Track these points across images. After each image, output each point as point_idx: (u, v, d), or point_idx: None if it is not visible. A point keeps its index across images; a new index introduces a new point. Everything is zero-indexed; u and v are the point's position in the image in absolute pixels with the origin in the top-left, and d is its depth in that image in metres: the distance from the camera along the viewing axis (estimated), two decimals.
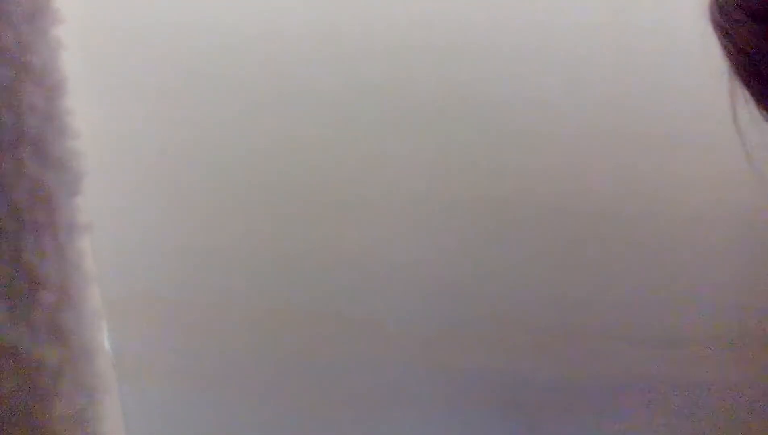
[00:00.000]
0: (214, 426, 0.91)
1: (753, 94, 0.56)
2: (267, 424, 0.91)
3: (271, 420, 0.91)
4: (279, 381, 0.90)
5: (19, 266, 0.52)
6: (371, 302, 0.88)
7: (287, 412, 0.90)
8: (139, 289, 0.90)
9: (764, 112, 0.56)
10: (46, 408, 0.53)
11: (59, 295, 0.55)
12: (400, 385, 0.89)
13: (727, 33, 0.55)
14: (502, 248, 0.86)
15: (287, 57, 0.84)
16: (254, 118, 0.86)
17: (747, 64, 0.55)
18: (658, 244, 0.85)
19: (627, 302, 0.85)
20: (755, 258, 0.84)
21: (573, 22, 0.81)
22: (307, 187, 0.86)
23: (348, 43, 0.83)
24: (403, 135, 0.85)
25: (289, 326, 0.89)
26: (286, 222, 0.87)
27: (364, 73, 0.84)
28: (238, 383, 0.90)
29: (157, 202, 0.88)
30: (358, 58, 0.84)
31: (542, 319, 0.87)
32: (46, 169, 0.55)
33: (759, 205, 0.80)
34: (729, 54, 0.56)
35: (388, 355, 0.89)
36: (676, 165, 0.83)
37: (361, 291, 0.88)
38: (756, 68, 0.55)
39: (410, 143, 0.85)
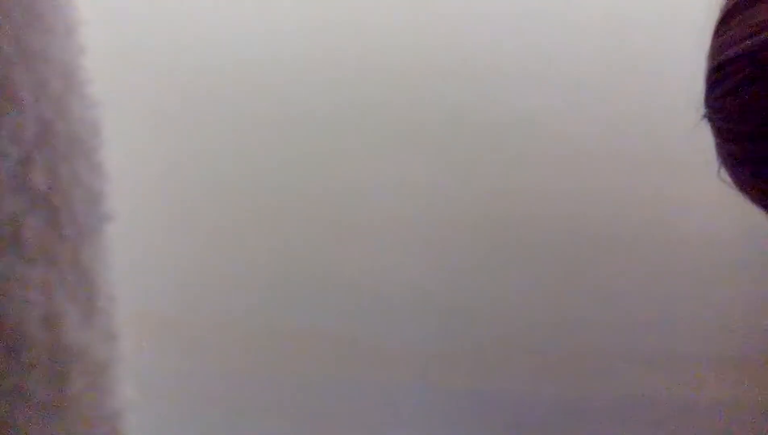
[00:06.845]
0: None
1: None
2: None
3: None
4: (280, 399, 0.90)
5: (80, 271, 0.55)
6: (372, 323, 0.88)
7: (289, 430, 0.90)
8: (139, 307, 0.88)
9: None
10: (106, 403, 0.55)
11: (109, 301, 0.58)
12: (401, 406, 0.89)
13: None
14: (504, 270, 0.87)
15: (290, 80, 0.85)
16: (257, 138, 0.86)
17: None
18: (659, 265, 0.85)
19: (628, 323, 0.85)
20: (754, 278, 0.84)
21: (573, 45, 0.83)
22: (310, 208, 0.88)
23: (351, 65, 0.84)
24: (408, 157, 0.87)
25: (291, 345, 0.90)
26: (288, 243, 0.87)
27: (367, 95, 0.86)
28: (237, 401, 0.91)
29: (159, 221, 0.87)
30: (360, 81, 0.84)
31: (543, 340, 0.87)
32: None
33: (757, 226, 0.80)
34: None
35: (390, 376, 0.88)
36: (674, 187, 0.84)
37: (362, 312, 0.89)
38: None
39: (414, 165, 0.87)
